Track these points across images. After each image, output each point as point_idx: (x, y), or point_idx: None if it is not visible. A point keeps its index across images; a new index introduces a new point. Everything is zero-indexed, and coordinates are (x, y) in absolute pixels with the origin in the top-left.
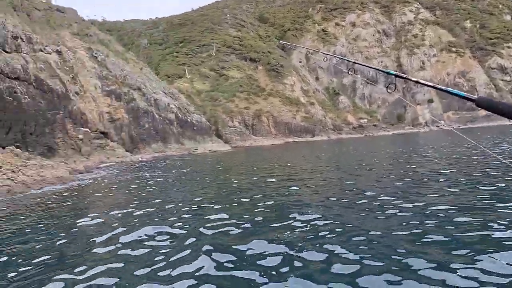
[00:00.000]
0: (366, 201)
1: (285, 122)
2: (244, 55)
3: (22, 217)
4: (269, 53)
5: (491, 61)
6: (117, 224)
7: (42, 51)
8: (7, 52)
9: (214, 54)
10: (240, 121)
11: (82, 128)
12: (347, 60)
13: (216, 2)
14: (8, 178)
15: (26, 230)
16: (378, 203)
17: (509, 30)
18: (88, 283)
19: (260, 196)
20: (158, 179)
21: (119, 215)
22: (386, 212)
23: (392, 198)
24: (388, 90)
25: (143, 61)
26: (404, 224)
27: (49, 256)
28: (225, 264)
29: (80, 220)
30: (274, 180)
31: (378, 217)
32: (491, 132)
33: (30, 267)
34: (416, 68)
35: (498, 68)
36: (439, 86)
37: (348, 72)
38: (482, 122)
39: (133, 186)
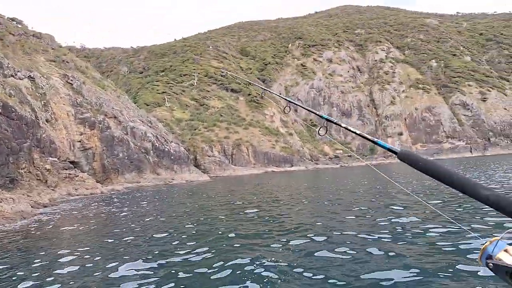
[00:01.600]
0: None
1: (264, 152)
2: (225, 85)
3: None
4: (250, 84)
5: (454, 98)
6: (71, 270)
7: (13, 76)
8: None
9: (195, 84)
10: (219, 150)
11: (50, 158)
12: (288, 100)
13: (198, 33)
14: None
15: None
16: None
17: (470, 70)
18: None
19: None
20: (126, 214)
21: (77, 258)
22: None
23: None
24: (320, 132)
25: (121, 89)
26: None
27: None
28: None
29: (33, 262)
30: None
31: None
32: (448, 164)
33: None
34: (387, 102)
35: (460, 104)
36: (367, 136)
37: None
38: (447, 154)
39: (99, 222)
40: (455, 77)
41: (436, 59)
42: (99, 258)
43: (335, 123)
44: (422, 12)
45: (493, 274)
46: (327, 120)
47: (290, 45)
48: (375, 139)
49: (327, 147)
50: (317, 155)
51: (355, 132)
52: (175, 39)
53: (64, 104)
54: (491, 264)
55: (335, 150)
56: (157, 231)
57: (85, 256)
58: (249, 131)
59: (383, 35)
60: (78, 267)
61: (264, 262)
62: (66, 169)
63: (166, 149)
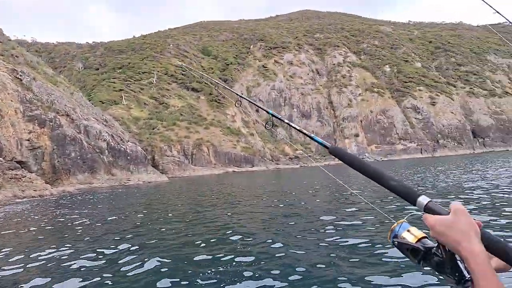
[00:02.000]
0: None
1: (225, 152)
2: (186, 84)
3: None
4: (212, 84)
5: (406, 102)
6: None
7: None
8: None
9: (155, 81)
10: (179, 150)
11: None
12: (240, 96)
13: (159, 31)
14: None
15: None
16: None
17: (420, 76)
18: None
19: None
20: (76, 218)
21: (19, 267)
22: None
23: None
24: (267, 126)
25: (75, 86)
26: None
27: None
28: None
29: None
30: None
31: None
32: (400, 164)
33: None
34: (345, 105)
35: (412, 107)
36: (305, 132)
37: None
38: (400, 155)
39: (43, 226)
40: (407, 82)
41: (389, 65)
42: (36, 268)
43: (280, 119)
44: (377, 20)
45: (398, 251)
46: (272, 115)
47: (252, 46)
48: (312, 135)
49: (287, 147)
50: (278, 155)
51: (295, 128)
52: (134, 36)
53: (12, 101)
54: (396, 242)
55: (295, 151)
56: (96, 238)
57: (23, 264)
58: (210, 130)
59: (341, 40)
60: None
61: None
62: (12, 170)
63: (122, 148)
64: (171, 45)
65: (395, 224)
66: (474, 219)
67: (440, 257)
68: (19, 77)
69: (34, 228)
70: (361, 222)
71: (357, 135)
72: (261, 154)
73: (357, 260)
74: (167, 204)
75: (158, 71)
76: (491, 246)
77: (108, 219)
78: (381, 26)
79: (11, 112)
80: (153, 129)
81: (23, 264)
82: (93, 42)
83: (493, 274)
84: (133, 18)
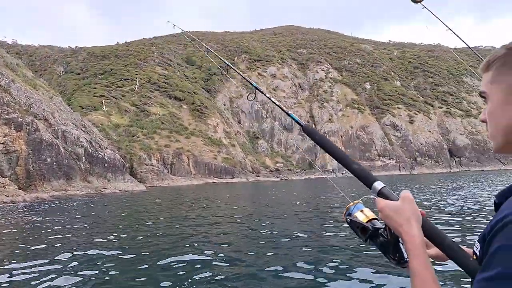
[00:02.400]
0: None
1: (205, 162)
2: (169, 93)
3: None
4: (195, 93)
5: (386, 119)
6: None
7: None
8: None
9: (137, 89)
10: (158, 159)
11: None
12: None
13: (143, 39)
14: None
15: None
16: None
17: (399, 94)
18: None
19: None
20: (47, 226)
21: None
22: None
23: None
24: (249, 98)
25: (55, 90)
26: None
27: None
28: None
29: None
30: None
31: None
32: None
33: None
34: (326, 120)
35: (391, 124)
36: (283, 108)
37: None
38: (379, 171)
39: (14, 235)
40: (386, 100)
41: (370, 82)
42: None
43: (262, 92)
44: (358, 38)
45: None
46: (256, 88)
47: (236, 58)
48: (289, 112)
49: (268, 159)
50: (259, 168)
51: (275, 103)
52: (117, 43)
53: None
54: (349, 219)
55: (276, 163)
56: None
57: None
58: (191, 140)
59: (323, 56)
60: None
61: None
62: None
63: (100, 155)
64: (155, 53)
65: (351, 204)
66: (418, 208)
67: (385, 238)
68: None
69: (4, 233)
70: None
71: None
72: (242, 165)
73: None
74: (141, 215)
75: (141, 79)
76: (431, 234)
77: (75, 226)
78: (362, 44)
79: None
80: (133, 136)
81: None
82: (75, 46)
83: (424, 256)
84: (116, 25)
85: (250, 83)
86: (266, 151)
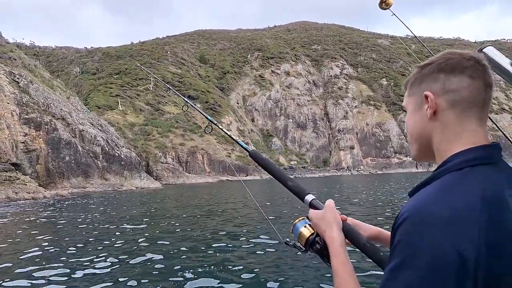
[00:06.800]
0: None
1: (220, 160)
2: (182, 92)
3: None
4: (208, 92)
5: (402, 115)
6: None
7: None
8: None
9: (151, 88)
10: (173, 157)
11: None
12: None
13: (157, 38)
14: None
15: None
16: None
17: None
18: None
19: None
20: (67, 222)
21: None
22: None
23: None
24: (206, 131)
25: (72, 90)
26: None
27: None
28: None
29: None
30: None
31: None
32: (393, 178)
33: None
34: (340, 117)
35: None
36: (232, 136)
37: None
38: (395, 168)
39: (36, 229)
40: (403, 96)
41: (386, 78)
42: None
43: (215, 124)
44: (374, 33)
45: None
46: (210, 121)
47: (249, 55)
48: (238, 140)
49: (282, 157)
50: None
51: (226, 133)
52: (132, 42)
53: (8, 103)
54: (291, 243)
55: (290, 161)
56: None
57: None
58: (205, 138)
59: (338, 52)
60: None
61: None
62: (6, 171)
63: (117, 154)
64: (168, 53)
65: (297, 220)
66: (339, 214)
67: (320, 244)
68: (16, 80)
69: (28, 227)
70: None
71: (352, 147)
72: (255, 163)
73: None
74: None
75: (155, 78)
76: (350, 236)
77: (96, 225)
78: (379, 39)
79: (7, 114)
80: (148, 135)
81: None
82: (91, 47)
83: (343, 255)
84: (129, 25)
85: (206, 117)
86: (280, 149)
